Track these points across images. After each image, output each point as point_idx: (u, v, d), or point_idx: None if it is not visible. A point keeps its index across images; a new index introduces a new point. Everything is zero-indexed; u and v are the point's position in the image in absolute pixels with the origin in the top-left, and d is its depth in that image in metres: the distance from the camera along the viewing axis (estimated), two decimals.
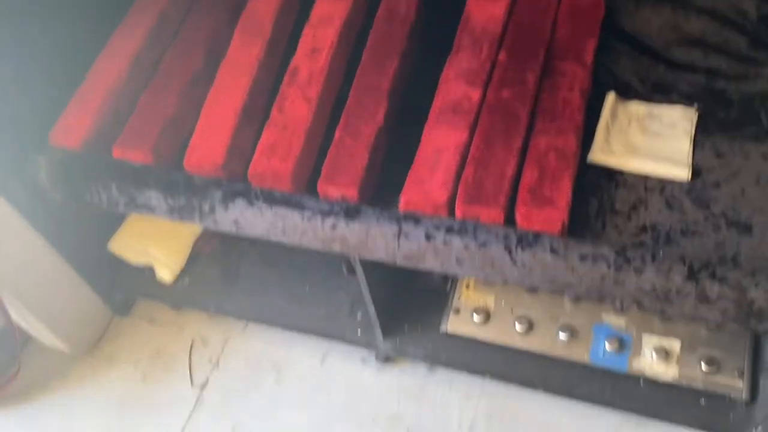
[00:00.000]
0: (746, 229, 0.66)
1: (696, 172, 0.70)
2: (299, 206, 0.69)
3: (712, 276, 0.58)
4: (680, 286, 0.59)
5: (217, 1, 0.86)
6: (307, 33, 0.80)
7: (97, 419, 0.94)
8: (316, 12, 0.82)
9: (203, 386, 0.95)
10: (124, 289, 0.99)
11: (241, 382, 0.95)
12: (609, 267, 0.61)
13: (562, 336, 0.82)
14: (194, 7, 0.87)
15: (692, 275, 0.59)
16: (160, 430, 0.92)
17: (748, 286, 0.57)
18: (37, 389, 0.98)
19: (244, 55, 0.80)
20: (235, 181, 0.74)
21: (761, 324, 0.59)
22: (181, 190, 0.72)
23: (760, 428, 0.75)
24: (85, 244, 0.92)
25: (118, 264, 0.98)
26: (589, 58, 0.74)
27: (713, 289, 0.58)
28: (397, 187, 0.70)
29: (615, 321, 0.82)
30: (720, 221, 0.67)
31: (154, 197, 0.74)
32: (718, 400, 0.79)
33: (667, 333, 0.80)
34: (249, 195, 0.70)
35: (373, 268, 0.78)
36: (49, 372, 0.99)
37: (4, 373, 0.98)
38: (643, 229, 0.67)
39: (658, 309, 0.63)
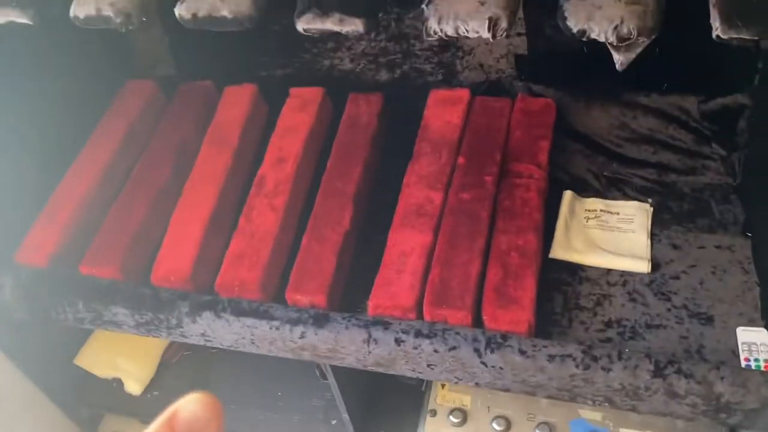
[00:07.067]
0: (708, 320, 0.67)
1: (655, 264, 0.72)
2: (267, 316, 0.69)
3: (678, 371, 0.59)
4: (648, 382, 0.59)
5: (186, 113, 0.89)
6: (274, 143, 0.83)
7: None
8: (282, 122, 0.85)
9: None
10: (90, 405, 0.96)
11: None
12: (577, 366, 0.61)
13: None
14: (162, 120, 0.89)
15: (659, 371, 0.59)
16: None
17: (714, 380, 0.58)
18: None
19: (211, 166, 0.82)
20: (204, 291, 0.73)
21: (731, 417, 0.59)
22: (148, 304, 0.72)
23: None
24: (49, 360, 0.89)
25: (84, 378, 0.95)
26: (544, 158, 0.77)
27: (680, 384, 0.59)
28: (366, 290, 0.71)
29: (591, 416, 0.81)
30: (682, 313, 0.68)
31: (120, 313, 0.73)
32: None
33: (643, 426, 0.79)
34: (216, 307, 0.70)
35: (345, 372, 0.77)
36: None
37: None
38: (609, 324, 0.68)
39: (629, 406, 0.62)
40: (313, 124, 0.84)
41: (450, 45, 0.84)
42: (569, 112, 0.83)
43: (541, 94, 0.83)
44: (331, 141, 0.83)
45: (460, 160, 0.78)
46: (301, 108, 0.85)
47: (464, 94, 0.83)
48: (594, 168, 0.81)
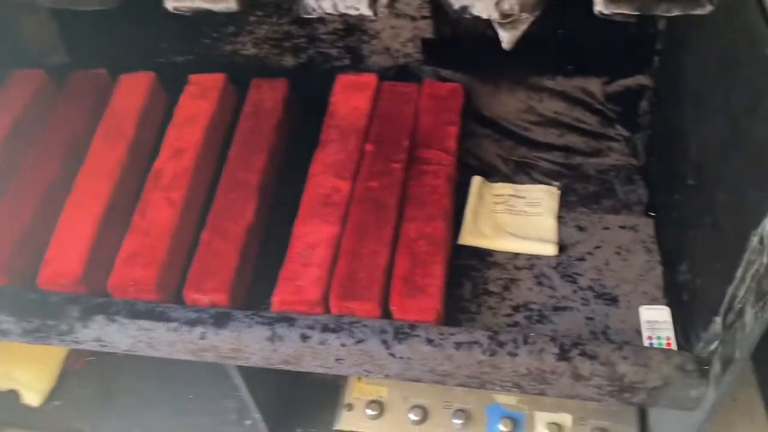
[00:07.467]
0: (613, 300, 0.68)
1: (562, 247, 0.72)
2: (164, 317, 0.65)
3: (583, 354, 0.59)
4: (554, 366, 0.59)
5: (78, 103, 0.83)
6: (171, 133, 0.78)
7: None
8: (180, 111, 0.80)
9: None
10: None
11: None
12: (484, 353, 0.60)
13: (457, 422, 0.80)
14: (52, 111, 0.83)
15: (563, 354, 0.59)
16: None
17: (617, 360, 0.58)
18: None
19: (105, 159, 0.77)
20: (96, 294, 0.69)
21: (635, 397, 0.60)
22: (34, 310, 0.67)
23: None
24: None
25: None
26: (452, 144, 0.76)
27: (585, 366, 0.58)
28: (274, 286, 0.68)
29: (506, 401, 0.81)
30: (588, 294, 0.68)
31: (5, 321, 0.68)
32: None
33: (557, 408, 0.80)
34: (109, 310, 0.66)
35: (255, 371, 0.74)
36: None
37: None
38: (517, 308, 0.68)
39: (537, 390, 0.62)
40: (214, 113, 0.80)
41: (355, 29, 0.81)
42: (477, 97, 0.82)
43: (448, 78, 0.82)
44: (234, 130, 0.79)
45: (368, 147, 0.76)
46: (201, 95, 0.81)
47: (371, 79, 0.81)
48: (502, 152, 0.81)
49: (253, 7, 0.77)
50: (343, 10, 0.39)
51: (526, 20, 0.40)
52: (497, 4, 0.39)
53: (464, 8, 0.39)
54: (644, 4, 0.38)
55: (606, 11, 0.39)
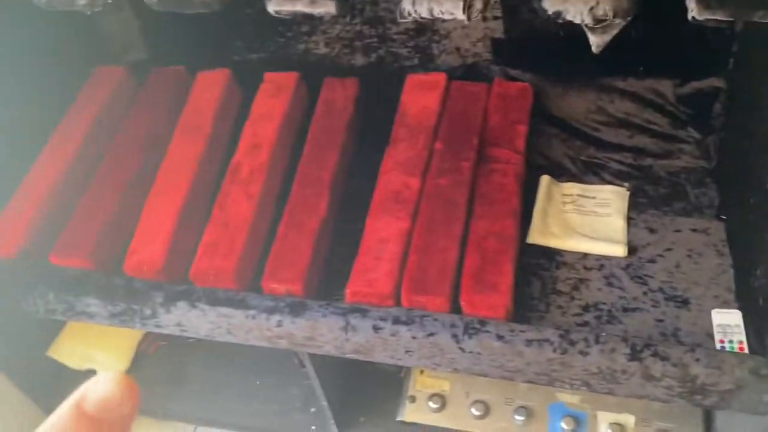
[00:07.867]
0: (683, 302, 0.68)
1: (632, 248, 0.72)
2: (243, 305, 0.68)
3: (655, 354, 0.59)
4: (625, 366, 0.60)
5: (157, 100, 0.87)
6: (248, 129, 0.81)
7: None
8: (256, 108, 0.83)
9: None
10: (65, 397, 0.94)
11: None
12: (555, 351, 0.61)
13: (518, 418, 0.81)
14: (133, 106, 0.87)
15: (635, 355, 0.59)
16: None
17: (689, 362, 0.58)
18: None
19: (184, 154, 0.81)
20: (178, 282, 0.72)
21: (706, 399, 0.60)
22: (121, 295, 0.71)
23: None
24: (21, 353, 0.88)
25: (58, 370, 0.93)
26: (521, 143, 0.77)
27: (656, 367, 0.59)
28: (344, 278, 0.70)
29: (569, 399, 0.82)
30: (658, 296, 0.68)
31: (93, 304, 0.72)
32: None
33: (620, 408, 0.80)
34: (191, 296, 0.69)
35: (323, 360, 0.76)
36: None
37: None
38: (586, 308, 0.68)
39: (606, 389, 0.63)
40: (288, 110, 0.82)
41: (426, 29, 0.83)
42: (546, 97, 0.83)
43: (517, 78, 0.83)
44: (307, 127, 0.82)
45: (438, 145, 0.77)
46: (276, 93, 0.83)
47: (441, 78, 0.82)
48: (571, 152, 0.81)
49: (349, 9, 0.79)
50: (438, 15, 0.41)
51: (618, 25, 0.41)
52: (591, 9, 0.39)
53: (558, 14, 0.40)
54: (740, 11, 0.39)
55: (700, 17, 0.40)
